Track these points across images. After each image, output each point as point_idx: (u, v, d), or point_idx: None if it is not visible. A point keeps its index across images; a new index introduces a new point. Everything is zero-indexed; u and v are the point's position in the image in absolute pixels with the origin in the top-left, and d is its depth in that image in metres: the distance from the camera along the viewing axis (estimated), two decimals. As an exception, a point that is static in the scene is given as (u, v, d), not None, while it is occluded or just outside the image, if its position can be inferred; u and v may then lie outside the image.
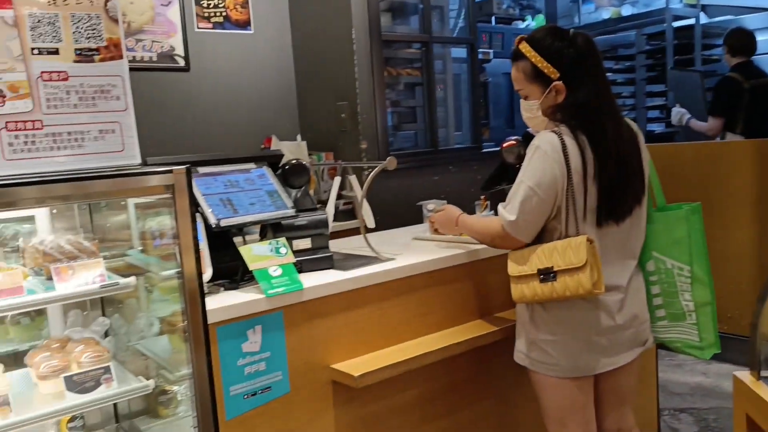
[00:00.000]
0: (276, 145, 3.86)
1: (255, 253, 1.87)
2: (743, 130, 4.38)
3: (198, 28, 3.91)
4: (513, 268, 1.87)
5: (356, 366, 1.91)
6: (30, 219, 1.92)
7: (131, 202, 2.01)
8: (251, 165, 2.05)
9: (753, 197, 3.77)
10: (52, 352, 1.71)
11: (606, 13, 6.60)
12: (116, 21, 1.58)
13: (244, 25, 4.09)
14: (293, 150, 3.88)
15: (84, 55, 1.54)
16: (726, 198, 3.84)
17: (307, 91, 4.26)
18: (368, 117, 3.90)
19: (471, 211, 3.08)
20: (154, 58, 3.76)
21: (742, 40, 4.37)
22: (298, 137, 4.11)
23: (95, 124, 1.55)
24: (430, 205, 2.60)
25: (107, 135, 1.57)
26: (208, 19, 3.94)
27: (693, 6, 5.83)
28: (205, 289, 1.82)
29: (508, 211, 1.84)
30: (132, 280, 1.66)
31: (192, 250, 1.49)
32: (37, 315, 1.93)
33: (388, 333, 2.09)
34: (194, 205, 1.86)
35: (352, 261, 2.19)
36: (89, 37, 1.54)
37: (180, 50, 3.84)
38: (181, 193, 1.47)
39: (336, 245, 2.50)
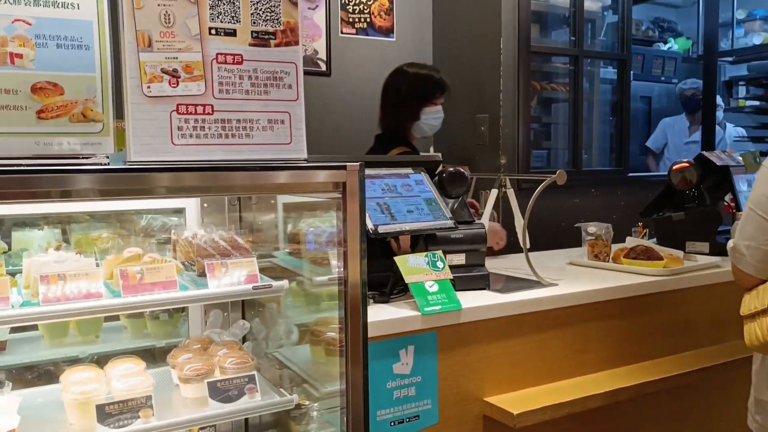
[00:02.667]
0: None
1: (411, 265, 1.71)
2: None
3: (342, 33, 3.86)
4: (743, 306, 1.56)
5: (513, 402, 1.70)
6: (179, 212, 1.85)
7: (280, 201, 1.91)
8: (409, 170, 1.90)
9: None
10: (194, 354, 1.62)
11: (758, 39, 6.04)
12: (296, 4, 1.48)
13: (387, 32, 4.00)
14: (428, 161, 3.73)
15: (260, 39, 1.44)
16: None
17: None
18: (510, 131, 3.68)
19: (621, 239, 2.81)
20: (297, 61, 3.73)
21: None
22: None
23: (265, 113, 1.45)
24: (591, 228, 2.35)
25: (276, 125, 1.46)
26: (352, 24, 3.88)
27: None
28: (357, 300, 1.69)
29: (734, 238, 1.57)
30: (284, 283, 1.54)
31: (359, 256, 1.34)
32: (175, 311, 1.86)
33: (545, 368, 1.86)
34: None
35: (509, 283, 1.98)
36: (267, 20, 1.44)
37: (323, 54, 3.79)
38: (353, 194, 1.32)
39: (494, 262, 2.30)
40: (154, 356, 1.83)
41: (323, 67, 3.80)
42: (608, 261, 2.29)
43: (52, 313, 1.30)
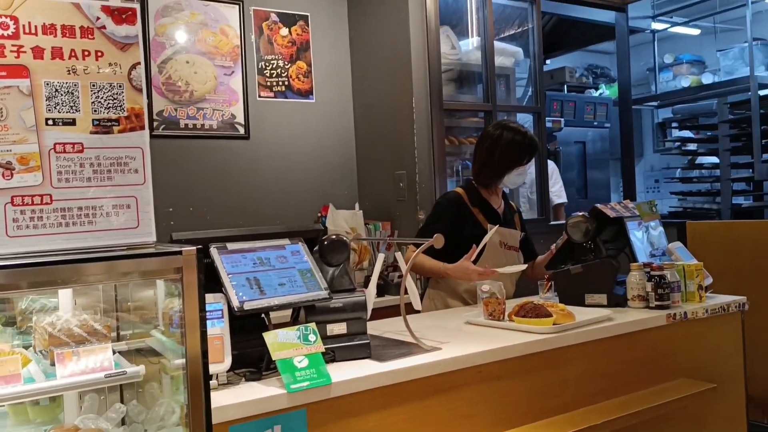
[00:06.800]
0: (332, 213, 3.74)
1: (281, 339, 1.70)
2: None
3: (260, 96, 3.90)
4: None
5: (389, 477, 1.68)
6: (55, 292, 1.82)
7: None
8: (286, 241, 1.90)
9: None
10: (58, 443, 1.57)
11: (685, 81, 6.30)
12: (140, 90, 1.49)
13: (306, 94, 4.07)
14: (349, 219, 3.75)
15: (103, 126, 1.45)
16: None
17: (367, 159, 4.16)
18: (427, 186, 3.74)
19: (533, 292, 2.84)
20: (215, 126, 3.76)
21: None
22: (356, 205, 3.99)
23: (110, 199, 1.45)
24: (485, 286, 2.37)
25: (122, 210, 1.46)
26: (270, 88, 3.94)
27: (782, 74, 5.45)
28: (223, 380, 1.66)
29: None
30: (140, 369, 1.51)
31: (197, 332, 1.32)
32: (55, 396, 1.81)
33: (428, 436, 1.84)
34: (218, 285, 1.73)
35: (392, 349, 1.98)
36: (109, 107, 1.46)
37: (240, 118, 3.83)
38: (190, 281, 1.32)
39: (387, 325, 2.30)
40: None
41: (241, 131, 3.83)
42: (503, 319, 2.30)
43: None
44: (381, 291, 3.59)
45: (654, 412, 2.15)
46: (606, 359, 2.24)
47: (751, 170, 5.42)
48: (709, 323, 2.52)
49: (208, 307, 1.67)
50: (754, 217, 5.44)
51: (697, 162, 6.23)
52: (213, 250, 1.76)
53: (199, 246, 1.36)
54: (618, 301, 2.52)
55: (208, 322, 1.66)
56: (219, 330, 1.66)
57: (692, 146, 6.33)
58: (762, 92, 5.38)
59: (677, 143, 6.44)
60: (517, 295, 2.89)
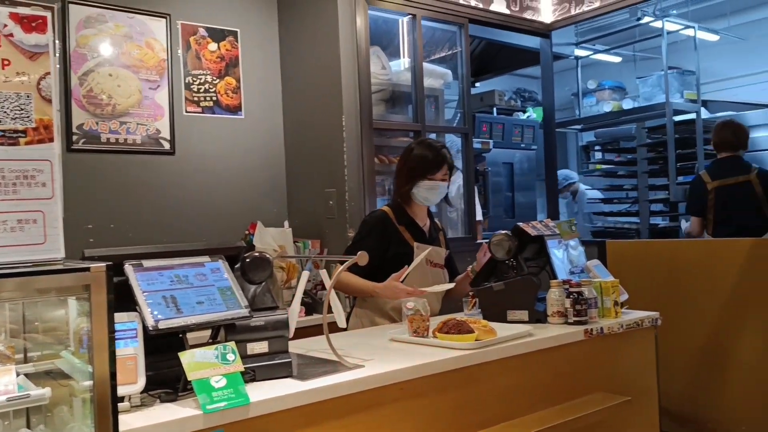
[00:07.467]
0: (260, 231, 3.69)
1: (198, 359, 1.65)
2: (711, 231, 4.26)
3: (186, 112, 3.84)
4: None
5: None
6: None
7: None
8: (205, 258, 1.87)
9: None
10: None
11: (607, 107, 6.58)
12: (49, 101, 1.44)
13: (235, 110, 4.02)
14: (277, 237, 3.72)
15: (8, 137, 1.39)
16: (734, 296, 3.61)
17: (297, 177, 4.14)
18: (356, 205, 3.75)
19: (458, 309, 2.88)
20: (139, 141, 3.66)
21: (720, 135, 4.28)
22: (285, 223, 3.95)
23: (14, 213, 1.38)
24: (409, 303, 2.38)
25: (27, 225, 1.40)
26: (197, 103, 3.88)
27: (694, 101, 5.77)
28: (136, 401, 1.61)
29: None
30: (46, 391, 1.44)
31: (106, 352, 1.28)
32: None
33: (350, 455, 1.83)
34: (134, 304, 1.68)
35: (315, 368, 1.96)
36: (15, 118, 1.40)
37: (166, 133, 3.75)
38: (99, 293, 1.27)
39: (313, 343, 2.28)
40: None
41: (167, 147, 3.75)
42: (427, 336, 2.32)
43: None
44: (310, 309, 3.57)
45: (571, 426, 2.20)
46: (526, 374, 2.29)
47: (667, 192, 5.70)
48: (624, 338, 2.61)
49: (122, 326, 1.62)
50: (670, 236, 5.71)
51: (617, 184, 6.49)
52: (128, 267, 1.71)
53: (110, 263, 1.31)
54: (539, 317, 2.58)
55: (122, 342, 1.61)
56: (132, 350, 1.61)
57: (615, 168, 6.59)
58: (677, 118, 5.68)
59: (602, 165, 6.70)
60: (443, 312, 2.92)
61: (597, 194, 6.75)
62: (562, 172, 6.26)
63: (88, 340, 1.35)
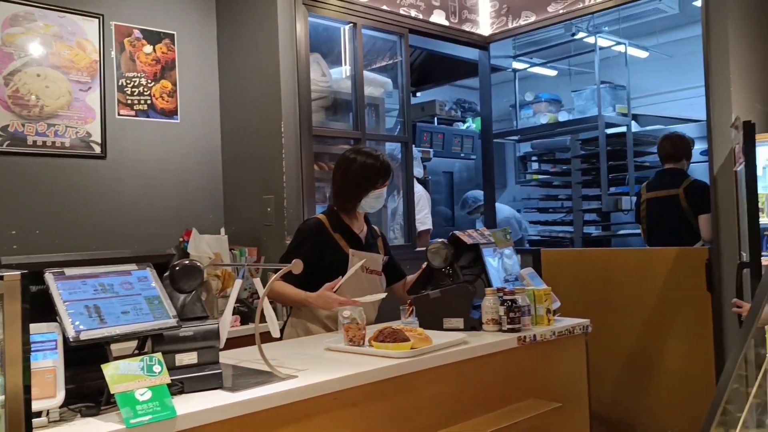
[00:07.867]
0: (195, 238, 3.61)
1: (123, 371, 1.59)
2: (646, 241, 4.43)
3: (119, 114, 3.72)
4: None
5: None
6: None
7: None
8: (132, 266, 1.80)
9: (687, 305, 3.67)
10: None
11: (543, 118, 6.74)
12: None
13: (171, 114, 3.93)
14: (213, 244, 3.64)
15: None
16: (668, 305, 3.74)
17: (234, 183, 4.07)
18: (295, 212, 3.71)
19: (396, 317, 2.88)
20: (68, 144, 3.53)
21: (661, 147, 4.43)
22: (222, 230, 3.88)
23: None
24: (345, 312, 2.37)
25: (-64, 231, 1.32)
26: (130, 106, 3.77)
27: (624, 115, 5.97)
28: (55, 416, 1.53)
29: None
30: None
31: (19, 365, 1.21)
32: None
33: (282, 467, 1.80)
34: (53, 314, 1.61)
35: (247, 378, 1.92)
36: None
37: (97, 136, 3.62)
38: (12, 303, 1.21)
39: (246, 354, 2.23)
40: None
41: (97, 150, 3.63)
42: (363, 345, 2.31)
43: None
44: (245, 319, 3.51)
45: (504, 432, 2.23)
46: (461, 381, 2.30)
47: (599, 202, 5.87)
48: (556, 345, 2.66)
49: (40, 338, 1.54)
50: (603, 245, 5.88)
51: (552, 194, 6.65)
52: (48, 276, 1.63)
53: (26, 271, 1.25)
54: (474, 324, 2.61)
55: (40, 354, 1.54)
56: (51, 362, 1.53)
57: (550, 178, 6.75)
58: (609, 131, 5.87)
59: (539, 176, 6.85)
60: (380, 319, 2.92)
61: (511, 211, 6.67)
62: (471, 194, 6.32)
63: (2, 352, 1.28)
